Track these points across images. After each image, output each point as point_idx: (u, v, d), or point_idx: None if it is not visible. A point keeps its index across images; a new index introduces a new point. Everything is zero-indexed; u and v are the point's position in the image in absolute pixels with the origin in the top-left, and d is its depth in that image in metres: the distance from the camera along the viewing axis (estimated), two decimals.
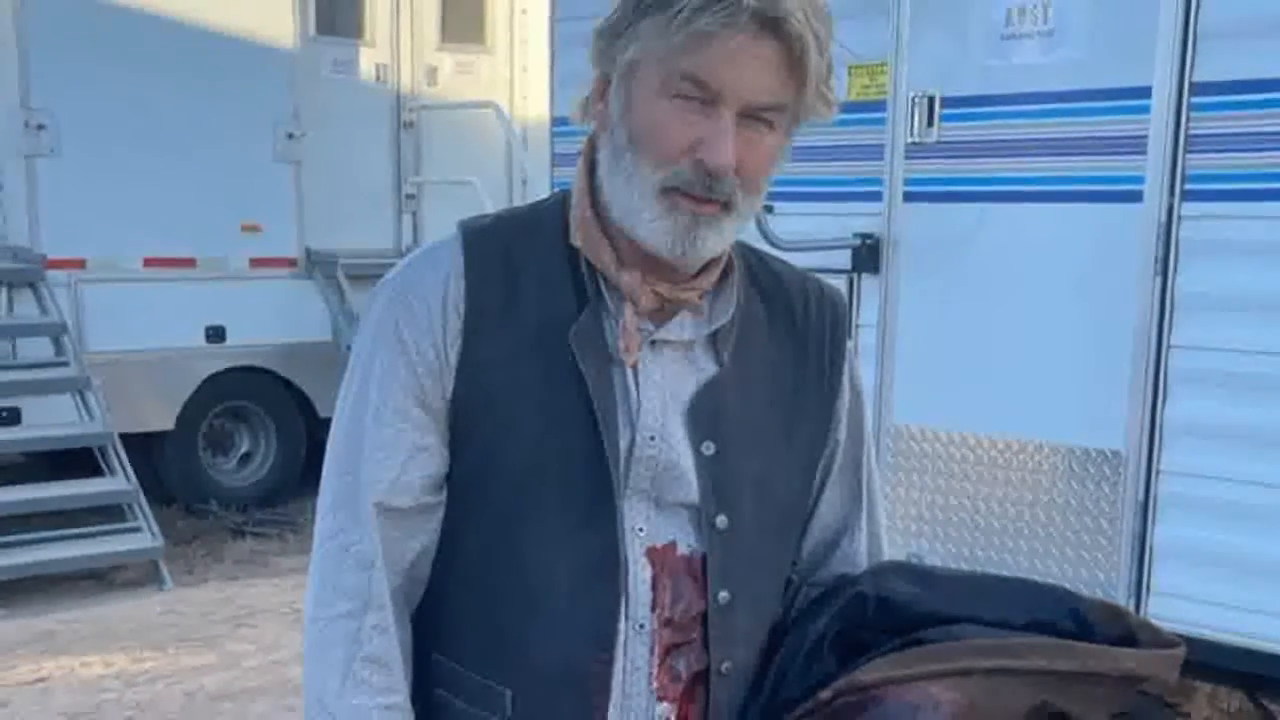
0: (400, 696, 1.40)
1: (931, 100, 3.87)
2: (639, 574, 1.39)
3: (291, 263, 7.88)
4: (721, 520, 1.41)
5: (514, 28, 8.90)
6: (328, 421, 1.47)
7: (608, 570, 1.37)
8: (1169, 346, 3.46)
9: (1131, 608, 3.40)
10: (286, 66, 7.73)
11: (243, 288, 7.62)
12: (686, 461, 1.40)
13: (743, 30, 1.26)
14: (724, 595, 1.41)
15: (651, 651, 1.40)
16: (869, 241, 4.05)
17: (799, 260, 1.64)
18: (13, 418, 6.80)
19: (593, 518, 1.37)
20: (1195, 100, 3.37)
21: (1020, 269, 3.75)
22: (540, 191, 6.17)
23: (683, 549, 1.41)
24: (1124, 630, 1.44)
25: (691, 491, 1.40)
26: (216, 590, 6.48)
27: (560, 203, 1.44)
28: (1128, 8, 3.48)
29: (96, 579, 6.53)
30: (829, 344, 1.51)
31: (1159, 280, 3.45)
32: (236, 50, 7.43)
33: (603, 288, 1.39)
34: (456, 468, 1.40)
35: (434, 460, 1.39)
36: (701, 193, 1.31)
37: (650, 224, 1.33)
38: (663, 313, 1.39)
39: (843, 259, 4.04)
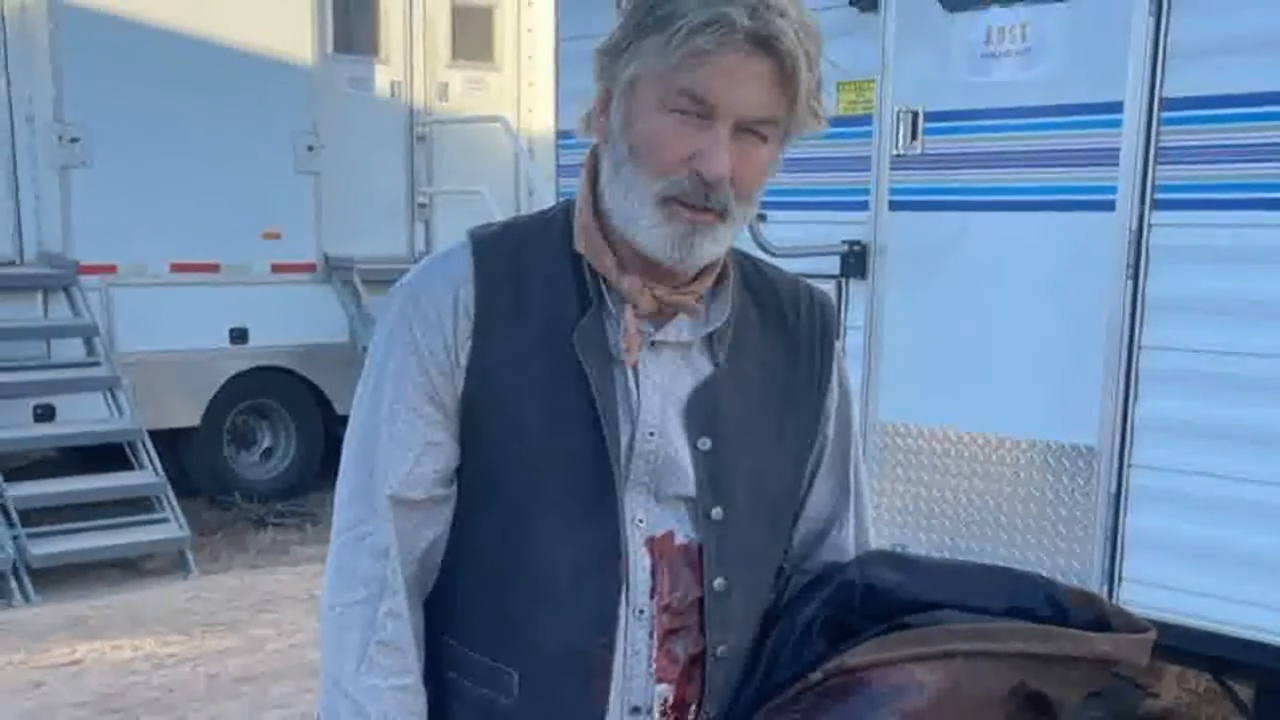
0: (413, 678, 1.40)
1: (915, 115, 3.87)
2: (639, 562, 1.39)
3: (310, 268, 7.88)
4: (717, 512, 1.41)
5: (521, 46, 8.91)
6: (345, 418, 1.47)
7: (610, 559, 1.37)
8: (1139, 347, 3.46)
9: (1105, 594, 3.40)
10: (306, 83, 7.73)
11: (264, 291, 7.62)
12: (684, 456, 1.40)
13: (737, 49, 1.26)
14: (719, 582, 1.41)
15: (651, 635, 1.40)
16: (856, 248, 4.05)
17: (790, 266, 1.64)
18: (47, 415, 6.81)
19: (595, 509, 1.37)
20: (1165, 115, 3.37)
21: (999, 274, 3.75)
22: (545, 201, 6.19)
23: (680, 539, 1.41)
24: (1098, 615, 1.44)
25: (689, 484, 1.40)
26: (239, 578, 6.48)
27: (565, 211, 1.43)
28: (1101, 27, 3.48)
29: (126, 567, 6.54)
30: (819, 345, 1.50)
31: (1130, 285, 3.45)
32: (258, 67, 7.44)
33: (605, 291, 1.38)
34: (467, 462, 1.40)
35: (445, 455, 1.39)
36: (698, 202, 1.31)
37: (650, 231, 1.33)
38: (661, 315, 1.39)
39: (832, 265, 4.04)
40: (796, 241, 3.95)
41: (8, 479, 6.31)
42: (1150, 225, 3.41)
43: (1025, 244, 3.69)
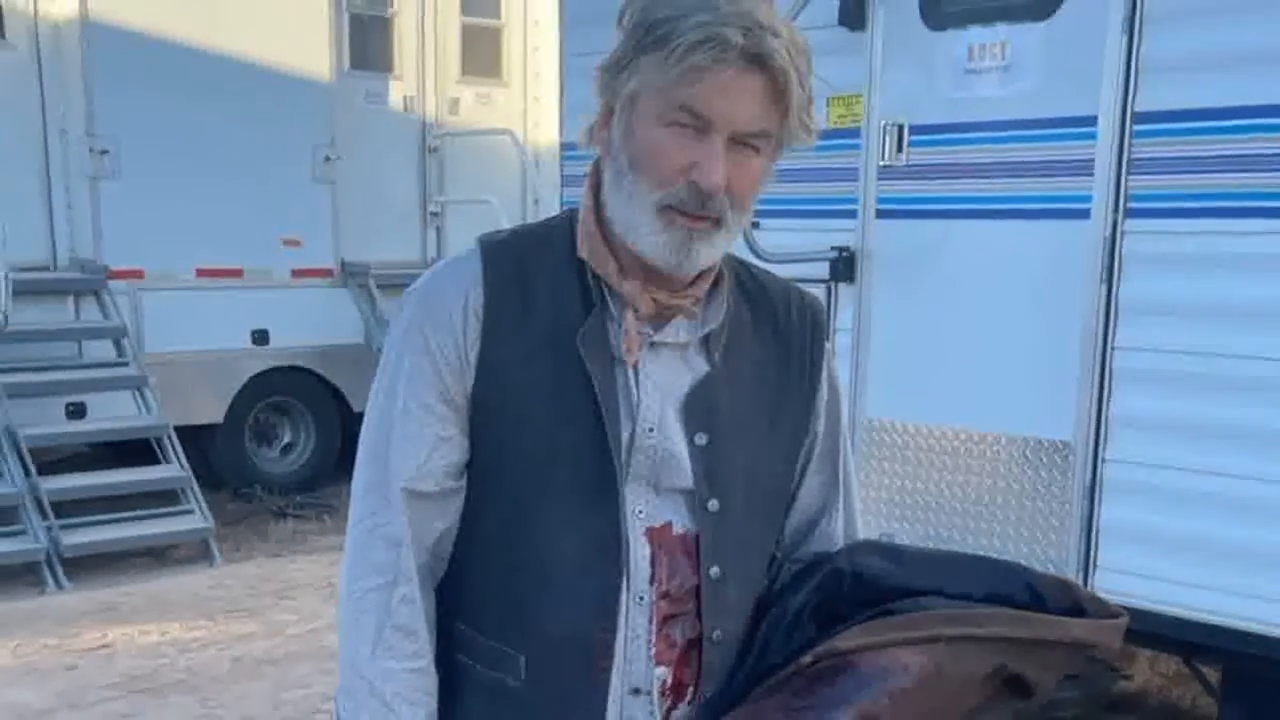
0: (425, 661, 1.40)
1: (901, 128, 3.87)
2: (639, 551, 1.39)
3: (328, 273, 7.88)
4: (713, 503, 1.41)
5: (527, 63, 8.91)
6: (361, 415, 1.47)
7: (611, 548, 1.37)
8: (1113, 348, 3.45)
9: (1080, 582, 3.40)
10: (324, 97, 7.73)
11: (285, 295, 7.62)
12: (681, 451, 1.39)
13: (732, 66, 1.26)
14: (715, 570, 1.41)
15: (650, 621, 1.40)
16: (845, 254, 4.04)
17: (782, 271, 1.64)
18: (79, 412, 6.81)
19: (598, 501, 1.37)
20: (1137, 128, 3.36)
21: (980, 279, 3.74)
22: (551, 209, 6.18)
23: (678, 529, 1.41)
24: (1073, 602, 1.44)
25: (686, 478, 1.40)
26: (261, 566, 6.48)
27: (569, 219, 1.43)
28: (1076, 45, 3.48)
29: (154, 556, 6.54)
30: (809, 346, 1.50)
31: (1104, 289, 3.45)
32: (279, 83, 7.44)
33: (607, 295, 1.38)
34: (476, 456, 1.40)
35: (456, 450, 1.39)
36: (695, 210, 1.31)
37: (649, 238, 1.33)
38: (660, 317, 1.39)
39: (821, 270, 4.03)
40: (788, 248, 3.94)
41: (41, 472, 6.31)
42: (1123, 232, 3.41)
43: (1005, 250, 3.69)
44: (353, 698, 1.40)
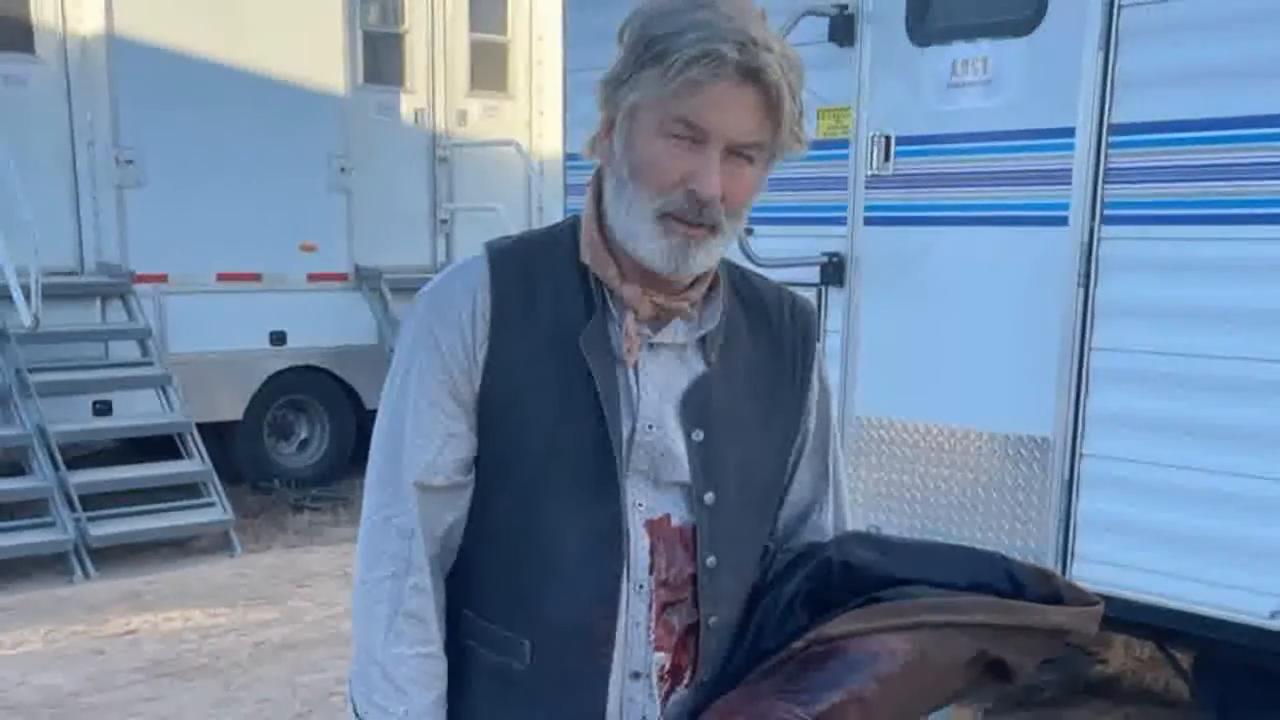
0: (435, 646, 1.40)
1: (888, 139, 3.87)
2: (639, 542, 1.39)
3: (343, 277, 7.87)
4: (709, 497, 1.41)
5: (532, 77, 8.90)
6: (374, 413, 1.47)
7: (612, 539, 1.37)
8: (1090, 348, 3.46)
9: (1058, 571, 3.40)
10: (338, 110, 7.73)
11: (301, 298, 7.62)
12: (679, 447, 1.39)
13: (727, 80, 1.26)
14: (711, 560, 1.41)
15: (650, 608, 1.40)
16: (835, 259, 4.05)
17: (775, 275, 1.64)
18: (105, 409, 6.82)
19: (600, 495, 1.37)
20: (1113, 139, 3.36)
21: (964, 283, 3.75)
22: (555, 217, 6.17)
23: (676, 521, 1.41)
24: (1052, 590, 1.44)
25: (684, 472, 1.40)
26: (279, 556, 6.48)
27: (572, 226, 1.43)
28: (1055, 60, 3.48)
29: (177, 546, 6.54)
30: (801, 347, 1.50)
31: (1081, 292, 3.45)
32: (296, 96, 7.44)
33: (608, 298, 1.38)
34: (483, 452, 1.40)
35: (464, 445, 1.39)
36: (692, 218, 1.31)
37: (649, 244, 1.33)
38: (659, 319, 1.39)
39: (812, 274, 4.03)
40: (781, 253, 3.95)
41: (70, 467, 6.31)
42: (1100, 239, 3.41)
43: (987, 256, 3.69)
44: (366, 681, 1.40)
